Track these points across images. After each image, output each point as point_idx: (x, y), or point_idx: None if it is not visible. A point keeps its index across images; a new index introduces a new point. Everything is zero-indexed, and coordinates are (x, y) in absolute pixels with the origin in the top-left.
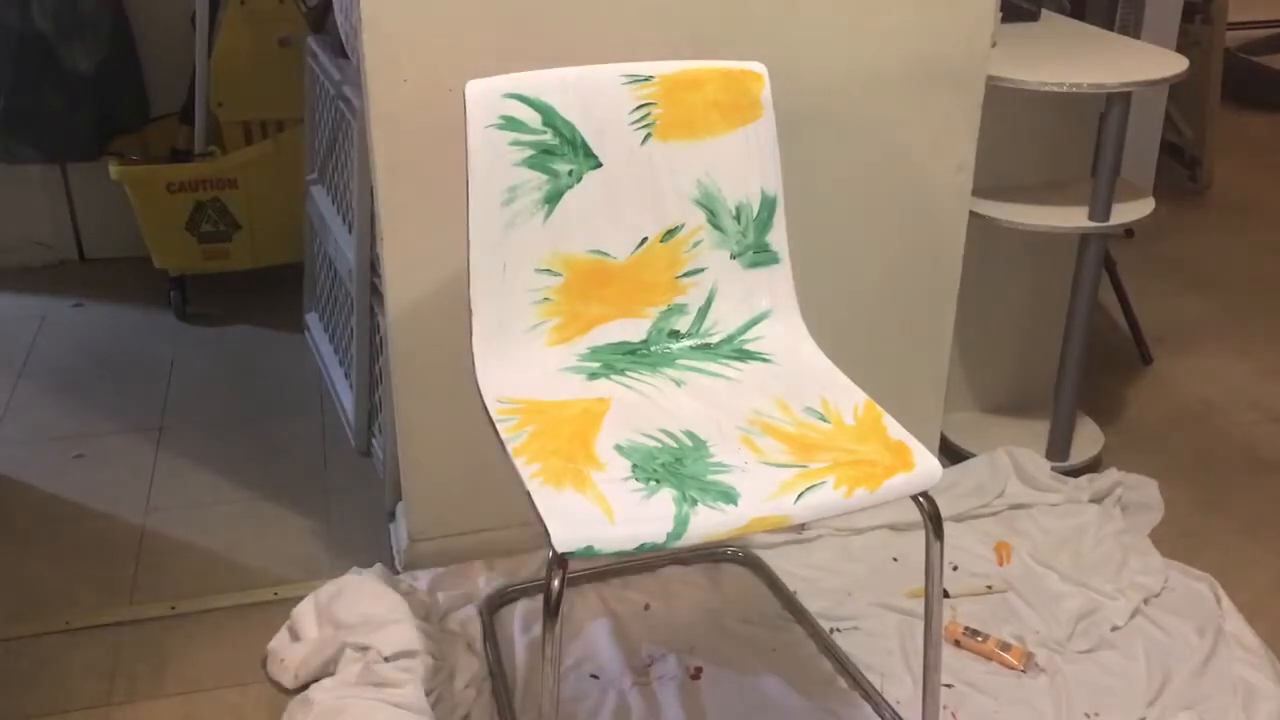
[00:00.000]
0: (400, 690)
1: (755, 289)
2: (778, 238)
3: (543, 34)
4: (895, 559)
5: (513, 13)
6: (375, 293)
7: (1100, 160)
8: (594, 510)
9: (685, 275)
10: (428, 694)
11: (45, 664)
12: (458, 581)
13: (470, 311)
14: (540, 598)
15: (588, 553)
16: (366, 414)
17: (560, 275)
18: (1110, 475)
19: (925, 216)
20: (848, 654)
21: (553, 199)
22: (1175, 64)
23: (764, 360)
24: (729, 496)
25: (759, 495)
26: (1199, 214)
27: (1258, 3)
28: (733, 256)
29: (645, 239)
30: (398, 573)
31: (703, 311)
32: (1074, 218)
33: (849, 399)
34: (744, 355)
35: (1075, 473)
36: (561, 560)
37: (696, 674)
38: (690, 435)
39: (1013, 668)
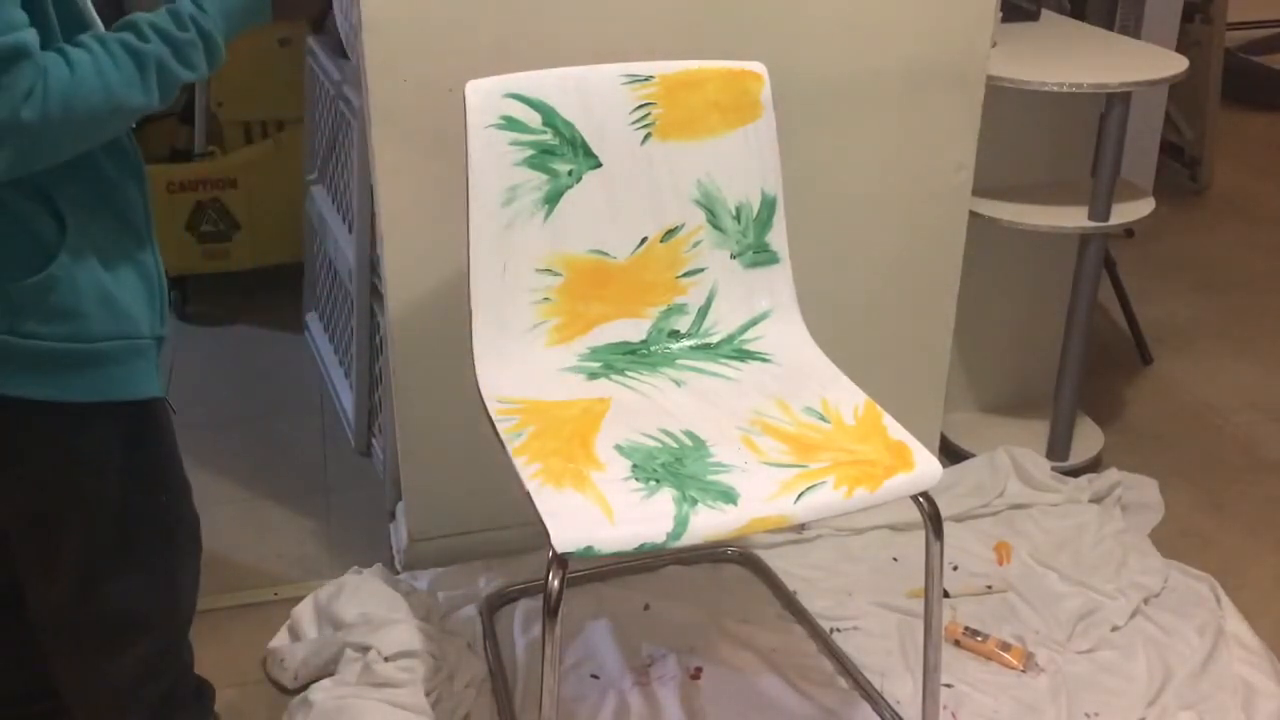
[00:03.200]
0: (400, 690)
1: (755, 289)
2: (778, 238)
3: (543, 34)
4: (895, 559)
5: (513, 13)
6: (375, 293)
7: (1100, 160)
8: (594, 510)
9: (685, 275)
10: (428, 694)
11: None
12: (458, 581)
13: (470, 311)
14: (540, 598)
15: (588, 553)
16: (366, 414)
17: (560, 275)
18: (1110, 475)
19: (925, 216)
20: (848, 654)
21: (553, 199)
22: (1175, 64)
23: (764, 360)
24: (729, 496)
25: (759, 495)
26: (1199, 214)
27: (1258, 3)
28: (733, 256)
29: (645, 239)
30: (398, 573)
31: (703, 311)
32: (1074, 218)
33: (849, 399)
34: (744, 355)
35: (1075, 473)
36: (561, 560)
37: (696, 674)
38: (690, 435)
39: (1013, 668)
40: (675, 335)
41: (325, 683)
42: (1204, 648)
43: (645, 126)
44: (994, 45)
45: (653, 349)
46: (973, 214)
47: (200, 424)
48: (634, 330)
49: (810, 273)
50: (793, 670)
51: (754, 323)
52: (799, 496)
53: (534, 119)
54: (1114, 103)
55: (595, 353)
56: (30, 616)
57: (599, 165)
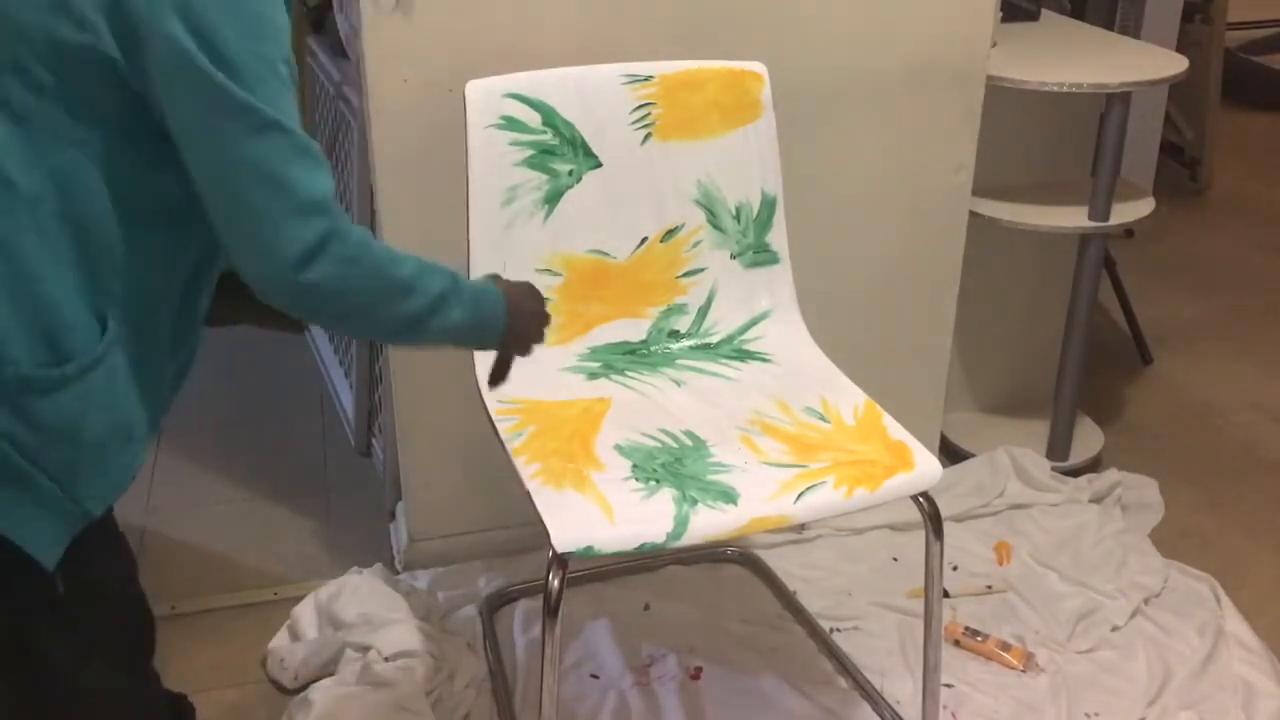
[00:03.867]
0: (400, 690)
1: (755, 289)
2: (778, 238)
3: (543, 34)
4: (895, 559)
5: (513, 13)
6: None
7: (1100, 160)
8: (594, 510)
9: (685, 275)
10: (428, 694)
11: None
12: (458, 581)
13: None
14: (540, 598)
15: (588, 553)
16: (366, 414)
17: (560, 275)
18: (1110, 475)
19: (925, 216)
20: (848, 654)
21: (553, 199)
22: (1175, 64)
23: (764, 360)
24: (729, 496)
25: (759, 495)
26: (1199, 214)
27: (1258, 3)
28: (733, 256)
29: (645, 239)
30: (398, 573)
31: (703, 311)
32: (1074, 218)
33: (849, 399)
34: (744, 355)
35: (1075, 473)
36: (561, 560)
37: (696, 674)
38: (690, 435)
39: (1013, 668)
40: (675, 335)
41: (325, 683)
42: (1204, 648)
43: (645, 126)
44: (994, 45)
45: (653, 349)
46: (973, 214)
47: (200, 424)
48: (634, 330)
49: (810, 273)
50: (793, 670)
51: (754, 323)
52: (799, 496)
53: (534, 119)
54: (1114, 103)
55: (595, 353)
56: None
57: (599, 165)
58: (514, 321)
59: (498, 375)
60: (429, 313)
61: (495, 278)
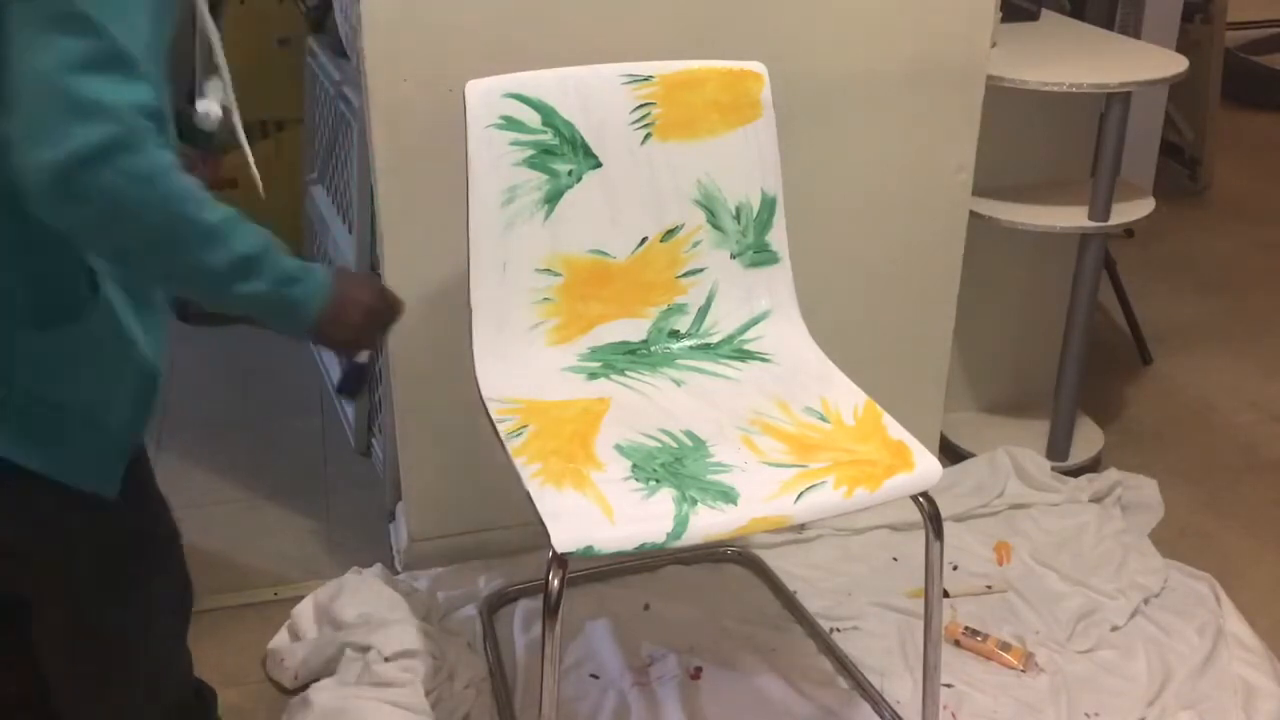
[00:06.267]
0: (400, 690)
1: (755, 289)
2: (778, 237)
3: (543, 34)
4: (895, 559)
5: (513, 13)
6: None
7: (1100, 160)
8: (594, 510)
9: (685, 275)
10: (428, 694)
11: None
12: (458, 581)
13: (470, 311)
14: (540, 598)
15: (588, 553)
16: (366, 414)
17: (560, 275)
18: (1110, 475)
19: (925, 216)
20: (848, 654)
21: (553, 199)
22: (1175, 64)
23: (764, 360)
24: (729, 496)
25: (759, 495)
26: (1199, 214)
27: (1258, 3)
28: (733, 256)
29: (645, 239)
30: (398, 573)
31: (703, 311)
32: (1074, 218)
33: (849, 399)
34: (744, 355)
35: (1075, 473)
36: (561, 560)
37: (696, 674)
38: (690, 435)
39: (1013, 668)
40: (675, 335)
41: (325, 683)
42: (1204, 648)
43: (645, 126)
44: (994, 45)
45: (653, 349)
46: (973, 214)
47: (200, 424)
48: (634, 330)
49: (810, 273)
50: (793, 670)
51: (754, 323)
52: (799, 496)
53: (534, 119)
54: (1114, 103)
55: (595, 353)
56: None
57: (599, 165)
58: (331, 311)
59: (348, 386)
60: (231, 273)
61: (338, 269)
